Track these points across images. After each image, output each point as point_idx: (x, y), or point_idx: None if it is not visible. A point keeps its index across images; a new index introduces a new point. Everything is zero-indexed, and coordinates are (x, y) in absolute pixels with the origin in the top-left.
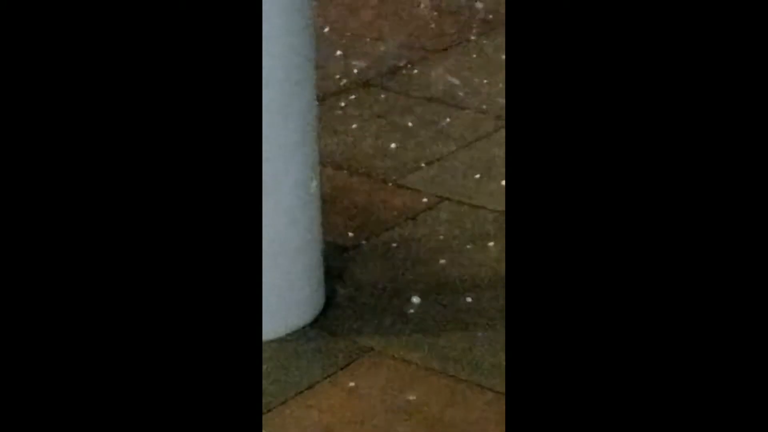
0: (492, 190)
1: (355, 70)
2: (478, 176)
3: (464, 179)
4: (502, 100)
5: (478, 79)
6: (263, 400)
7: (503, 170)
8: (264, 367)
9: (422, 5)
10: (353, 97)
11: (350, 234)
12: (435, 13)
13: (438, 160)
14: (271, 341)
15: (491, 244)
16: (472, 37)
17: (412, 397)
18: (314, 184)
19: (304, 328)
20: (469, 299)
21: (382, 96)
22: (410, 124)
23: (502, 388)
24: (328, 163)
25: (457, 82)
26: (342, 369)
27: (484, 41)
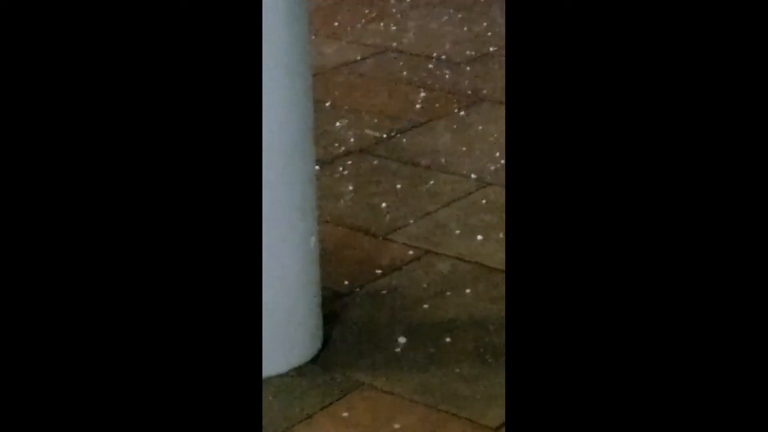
0: (470, 244)
1: (352, 139)
2: (458, 232)
3: (445, 234)
4: (481, 165)
5: (459, 147)
6: (270, 429)
7: (480, 226)
8: (268, 399)
9: (412, 84)
10: (350, 162)
11: (346, 282)
12: (422, 90)
13: (423, 217)
14: (275, 377)
15: (468, 290)
16: (455, 111)
17: (398, 426)
18: (314, 239)
19: (304, 364)
20: (448, 339)
21: (375, 162)
22: (399, 186)
23: (476, 417)
24: (327, 220)
25: (441, 149)
26: (337, 401)
27: (465, 114)
